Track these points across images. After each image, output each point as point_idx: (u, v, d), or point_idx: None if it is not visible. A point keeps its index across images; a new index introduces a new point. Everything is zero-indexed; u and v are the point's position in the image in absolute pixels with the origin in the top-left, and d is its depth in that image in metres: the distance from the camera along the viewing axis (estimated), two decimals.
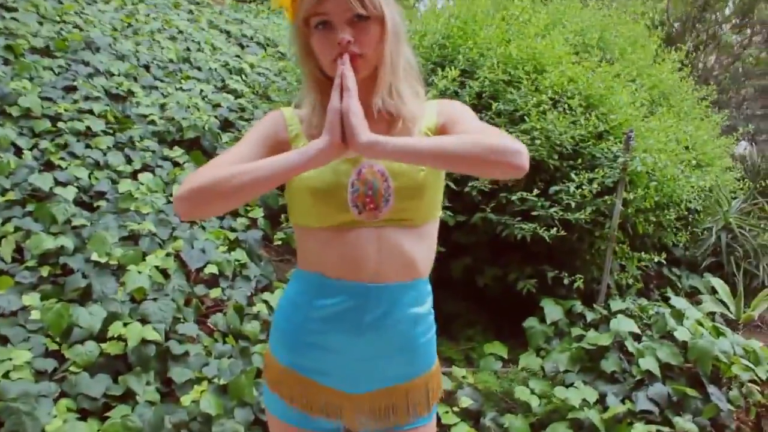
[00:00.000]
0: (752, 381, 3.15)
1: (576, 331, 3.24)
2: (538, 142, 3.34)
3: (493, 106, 3.50)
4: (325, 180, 1.24)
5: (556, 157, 3.43)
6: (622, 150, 3.43)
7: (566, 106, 3.53)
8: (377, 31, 1.22)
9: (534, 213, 3.31)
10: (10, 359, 2.43)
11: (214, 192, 1.14)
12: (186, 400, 2.50)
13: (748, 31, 11.07)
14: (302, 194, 1.27)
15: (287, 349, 1.36)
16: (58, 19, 5.33)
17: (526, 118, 3.43)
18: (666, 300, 3.79)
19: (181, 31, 6.21)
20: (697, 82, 6.41)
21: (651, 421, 2.78)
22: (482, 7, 4.18)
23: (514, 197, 3.31)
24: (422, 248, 1.30)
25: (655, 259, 3.65)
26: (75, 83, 4.29)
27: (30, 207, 3.18)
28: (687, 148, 4.29)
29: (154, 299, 2.79)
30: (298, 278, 1.36)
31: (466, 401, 2.89)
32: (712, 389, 2.95)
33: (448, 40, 3.88)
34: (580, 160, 3.48)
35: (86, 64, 4.61)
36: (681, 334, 3.09)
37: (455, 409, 2.87)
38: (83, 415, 2.38)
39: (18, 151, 3.59)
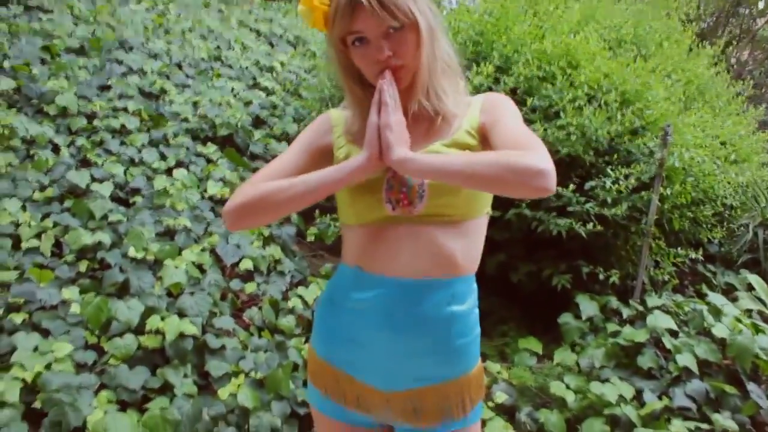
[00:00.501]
0: None
1: (611, 326, 3.21)
2: (573, 137, 3.31)
3: (528, 101, 3.47)
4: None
5: (591, 152, 3.40)
6: (660, 145, 3.38)
7: (602, 101, 3.49)
8: (414, 38, 1.23)
9: (569, 208, 3.28)
10: (52, 351, 2.48)
11: (258, 207, 1.23)
12: (223, 393, 2.52)
13: None
14: (342, 193, 1.30)
15: (324, 342, 1.37)
16: (91, 20, 5.43)
17: (561, 113, 3.40)
18: (702, 296, 3.73)
19: (211, 30, 6.27)
20: (731, 77, 6.30)
21: (689, 417, 2.74)
22: (515, 3, 4.15)
23: None
24: (462, 245, 1.27)
25: (691, 256, 3.60)
26: (109, 82, 4.37)
27: (68, 203, 3.23)
28: (723, 144, 4.22)
29: (191, 293, 2.82)
30: (339, 272, 1.37)
31: (501, 396, 2.87)
32: (751, 386, 2.90)
33: (481, 37, 3.85)
34: (615, 156, 3.44)
35: (120, 63, 4.68)
36: (719, 330, 3.04)
37: (490, 404, 2.86)
38: (122, 406, 2.42)
39: (55, 149, 3.66)
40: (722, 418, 2.73)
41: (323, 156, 1.36)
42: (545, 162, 1.12)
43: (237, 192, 1.28)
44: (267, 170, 1.31)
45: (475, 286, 1.34)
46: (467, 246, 1.29)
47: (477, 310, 1.35)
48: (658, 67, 4.17)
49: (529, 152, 1.13)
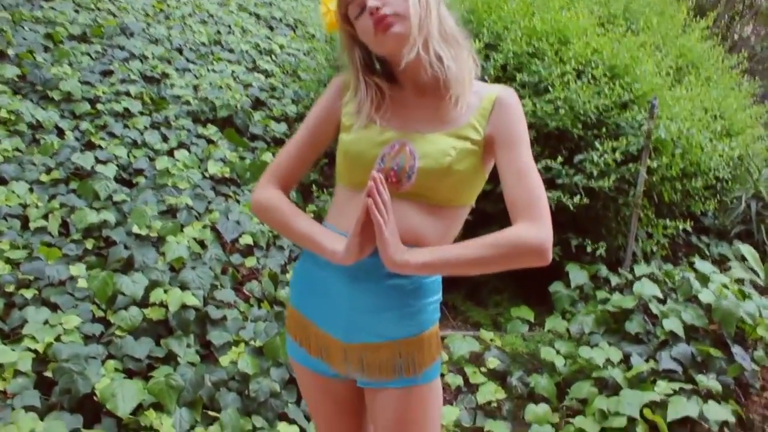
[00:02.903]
0: None
1: (601, 294, 3.31)
2: (562, 111, 3.39)
3: (518, 77, 3.55)
4: (359, 147, 1.37)
5: (580, 126, 3.48)
6: (647, 118, 3.46)
7: (590, 76, 3.57)
8: None
9: (558, 181, 3.38)
10: (61, 324, 2.60)
11: (263, 218, 1.47)
12: (224, 360, 2.64)
13: None
14: (339, 154, 1.42)
15: (296, 292, 1.50)
16: (93, 6, 5.51)
17: (550, 88, 3.48)
18: (692, 267, 3.82)
19: (211, 15, 6.34)
20: (732, 52, 6.34)
21: (674, 379, 2.84)
22: None
23: (539, 166, 3.36)
24: (435, 229, 1.35)
25: (681, 227, 3.68)
26: (111, 67, 4.47)
27: (73, 185, 3.35)
28: (715, 117, 4.29)
29: (193, 268, 2.94)
30: None
31: (493, 362, 2.98)
32: (736, 349, 2.99)
33: (472, 15, 3.93)
34: (604, 129, 3.52)
35: (122, 48, 4.78)
36: (705, 296, 3.13)
37: (483, 369, 2.97)
38: (129, 374, 2.54)
39: (60, 133, 3.77)
40: (707, 380, 2.83)
41: (332, 119, 1.48)
42: (546, 234, 1.24)
43: (260, 181, 1.49)
44: (283, 154, 1.48)
45: None
46: (440, 231, 1.37)
47: (440, 279, 1.43)
48: (649, 42, 4.23)
49: (532, 226, 1.25)
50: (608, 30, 4.08)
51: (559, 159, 3.37)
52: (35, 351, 2.48)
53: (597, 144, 3.42)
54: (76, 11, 5.32)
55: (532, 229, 1.24)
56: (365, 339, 1.38)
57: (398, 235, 1.26)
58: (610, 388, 2.83)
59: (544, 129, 3.45)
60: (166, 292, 2.76)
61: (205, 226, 3.24)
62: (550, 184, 3.40)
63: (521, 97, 3.49)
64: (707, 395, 2.79)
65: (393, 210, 1.27)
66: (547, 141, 3.47)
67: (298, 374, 1.57)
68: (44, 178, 3.35)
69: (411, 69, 1.35)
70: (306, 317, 1.46)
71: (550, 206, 3.17)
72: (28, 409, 2.27)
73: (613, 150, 3.38)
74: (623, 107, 3.64)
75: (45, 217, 3.15)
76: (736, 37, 10.50)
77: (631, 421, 2.65)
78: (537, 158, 3.43)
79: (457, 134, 1.34)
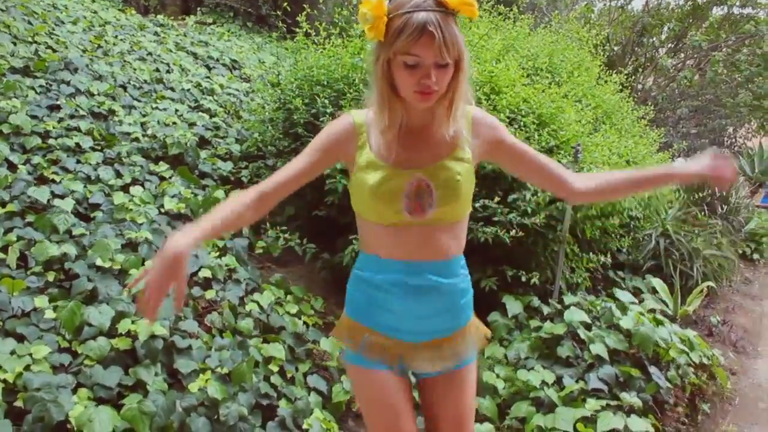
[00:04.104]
0: (688, 364, 3.58)
1: (534, 323, 3.64)
2: None
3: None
4: (383, 189, 1.60)
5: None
6: (571, 162, 3.85)
7: (521, 123, 3.94)
8: (452, 72, 1.52)
9: (495, 218, 3.70)
10: (30, 354, 2.66)
11: None
12: (193, 387, 2.77)
13: (682, 55, 11.83)
14: (363, 191, 1.63)
15: (362, 312, 1.75)
16: (30, 39, 5.52)
17: None
18: (612, 297, 4.21)
19: (150, 53, 6.44)
20: (636, 102, 6.96)
21: (601, 397, 3.17)
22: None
23: (477, 204, 3.69)
24: (455, 238, 1.69)
25: (602, 260, 4.08)
26: (58, 102, 4.52)
27: (30, 218, 3.40)
28: (628, 162, 4.76)
29: None
30: (362, 259, 1.76)
31: None
32: (653, 370, 3.37)
33: None
34: None
35: (67, 83, 4.83)
36: (626, 323, 3.50)
37: None
38: (99, 402, 2.62)
39: (11, 167, 3.80)
40: (629, 397, 3.18)
41: (339, 157, 1.70)
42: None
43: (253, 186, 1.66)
44: (283, 170, 1.64)
45: (463, 262, 1.76)
46: (457, 241, 1.70)
47: (468, 279, 1.78)
48: (570, 93, 4.68)
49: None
50: (535, 81, 4.49)
51: (496, 198, 3.69)
52: (4, 381, 2.54)
53: (528, 185, 3.77)
54: (14, 43, 5.32)
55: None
56: (431, 337, 1.72)
57: None
58: (546, 407, 3.13)
59: (481, 171, 3.78)
60: (133, 322, 2.87)
61: None
62: (487, 221, 3.72)
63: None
64: (630, 410, 3.13)
65: (422, 234, 1.62)
66: (484, 182, 3.80)
67: (362, 377, 1.77)
68: None
69: (422, 114, 1.62)
70: (372, 329, 1.73)
71: (488, 241, 3.59)
72: None
73: (543, 190, 3.74)
74: (550, 152, 4.03)
75: (2, 249, 3.19)
76: (639, 87, 11.37)
77: None
78: (475, 198, 3.75)
79: (456, 157, 1.64)
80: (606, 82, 5.79)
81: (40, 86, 4.69)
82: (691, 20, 11.02)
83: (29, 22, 5.89)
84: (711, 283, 5.15)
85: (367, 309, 1.74)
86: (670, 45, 11.82)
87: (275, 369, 3.11)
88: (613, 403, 3.12)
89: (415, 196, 1.60)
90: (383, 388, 1.73)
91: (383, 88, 1.56)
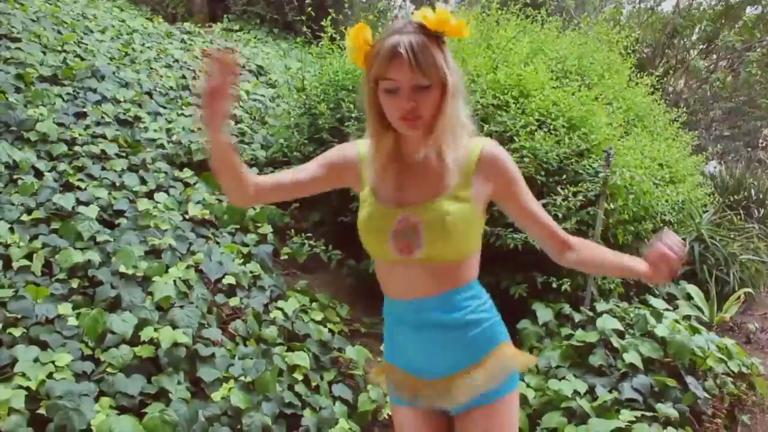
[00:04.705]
0: (726, 373, 3.45)
1: (565, 330, 3.53)
2: (526, 160, 3.65)
3: (485, 128, 3.80)
4: (372, 226, 1.58)
5: (543, 173, 3.74)
6: (603, 166, 3.75)
7: (551, 127, 3.85)
8: (438, 94, 1.46)
9: None
10: (53, 362, 2.64)
11: None
12: (216, 396, 2.73)
13: (714, 56, 11.60)
14: (359, 225, 1.62)
15: (387, 350, 1.75)
16: (59, 48, 5.57)
17: (515, 138, 3.74)
18: (646, 304, 4.09)
19: (176, 60, 6.47)
20: (667, 105, 6.81)
21: (636, 408, 3.06)
22: (469, 36, 4.49)
23: None
24: (460, 277, 1.60)
25: None
26: (85, 109, 4.54)
27: (54, 225, 3.40)
28: (661, 165, 4.63)
29: (181, 307, 3.02)
30: (384, 299, 1.72)
31: None
32: (689, 380, 3.24)
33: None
34: (564, 176, 3.79)
35: (94, 91, 4.85)
36: (660, 330, 3.38)
37: None
38: (122, 411, 2.60)
39: (38, 174, 3.81)
40: (665, 407, 3.06)
41: (343, 182, 1.68)
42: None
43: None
44: (289, 170, 1.66)
45: (473, 292, 1.64)
46: (456, 279, 1.60)
47: (480, 308, 1.64)
48: (601, 96, 4.57)
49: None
50: (564, 84, 4.40)
51: None
52: (27, 388, 2.52)
53: (559, 189, 3.68)
54: (44, 52, 5.37)
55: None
56: (445, 373, 1.63)
57: None
58: (578, 418, 3.02)
59: None
60: (156, 330, 2.84)
61: (189, 267, 3.34)
62: (516, 227, 3.63)
63: None
64: (666, 422, 3.01)
65: (420, 272, 1.56)
66: None
67: (400, 418, 1.74)
68: (25, 218, 3.39)
69: (415, 144, 1.54)
70: (398, 368, 1.70)
71: (518, 247, 3.49)
72: None
73: (574, 195, 3.64)
74: (580, 155, 3.93)
75: (27, 256, 3.19)
76: (670, 90, 11.17)
77: None
78: None
79: (452, 196, 1.54)
80: (637, 84, 5.66)
81: (68, 94, 4.72)
82: (723, 20, 10.80)
83: (59, 32, 5.95)
84: (748, 289, 4.99)
85: (390, 347, 1.73)
86: (701, 46, 11.59)
87: (300, 378, 3.05)
88: (649, 414, 3.00)
89: (401, 235, 1.54)
90: (402, 425, 1.72)
91: (372, 117, 1.54)
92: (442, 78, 1.44)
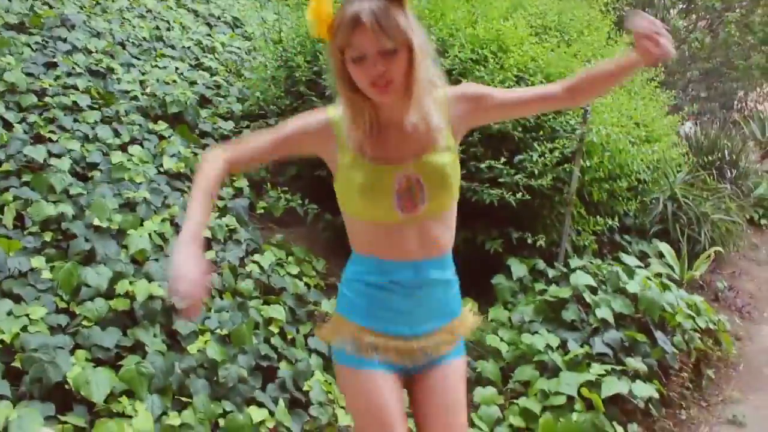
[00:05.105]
0: (693, 329, 3.54)
1: (539, 286, 3.59)
2: None
3: (462, 82, 3.77)
4: (373, 188, 1.56)
5: (520, 129, 3.74)
6: (580, 123, 3.75)
7: (529, 82, 3.84)
8: (405, 58, 1.45)
9: (500, 180, 3.62)
10: (27, 315, 2.62)
11: (197, 170, 1.63)
12: (192, 348, 2.74)
13: (694, 16, 11.57)
14: (351, 191, 1.59)
15: (359, 313, 1.68)
16: None
17: None
18: (619, 261, 4.15)
19: (149, 10, 6.29)
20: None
21: (606, 362, 3.13)
22: None
23: (482, 165, 3.61)
24: (448, 229, 1.66)
25: (608, 224, 4.01)
26: (55, 59, 4.42)
27: (26, 177, 3.34)
28: (637, 124, 4.65)
29: (156, 260, 3.01)
30: (359, 261, 1.70)
31: None
32: (658, 335, 3.33)
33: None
34: (541, 132, 3.80)
35: (63, 40, 4.72)
36: (632, 287, 3.45)
37: None
38: (98, 363, 2.59)
39: (7, 125, 3.72)
40: (634, 362, 3.14)
41: (313, 150, 1.67)
42: None
43: (222, 146, 1.68)
44: (252, 140, 1.66)
45: (451, 256, 1.71)
46: (449, 231, 1.67)
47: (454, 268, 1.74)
48: (580, 53, 4.55)
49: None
50: (543, 40, 4.37)
51: (502, 159, 3.61)
52: (1, 341, 2.50)
53: (536, 146, 3.69)
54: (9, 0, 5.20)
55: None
56: (429, 329, 1.67)
57: None
58: (550, 371, 3.09)
59: (487, 131, 3.69)
60: (131, 283, 2.83)
61: (164, 220, 3.31)
62: (492, 182, 3.65)
63: None
64: (634, 375, 3.09)
65: (417, 232, 1.59)
66: (490, 142, 3.71)
67: (361, 381, 1.68)
68: None
69: (393, 110, 1.54)
70: (373, 330, 1.66)
71: (493, 203, 3.49)
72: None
73: (551, 151, 3.65)
74: (557, 112, 3.93)
75: None
76: None
77: (570, 399, 2.91)
78: (481, 159, 3.67)
79: (439, 148, 1.58)
80: (616, 42, 5.64)
81: (36, 43, 4.58)
82: None
83: None
84: (719, 248, 5.09)
85: (367, 310, 1.68)
86: (681, 6, 11.55)
87: (276, 330, 3.07)
88: (618, 367, 3.08)
89: (406, 193, 1.55)
90: (377, 387, 1.67)
91: (343, 87, 1.53)
92: (407, 40, 1.43)
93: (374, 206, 1.57)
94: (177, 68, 5.09)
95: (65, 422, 2.34)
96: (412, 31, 1.45)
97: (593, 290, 3.52)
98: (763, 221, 6.91)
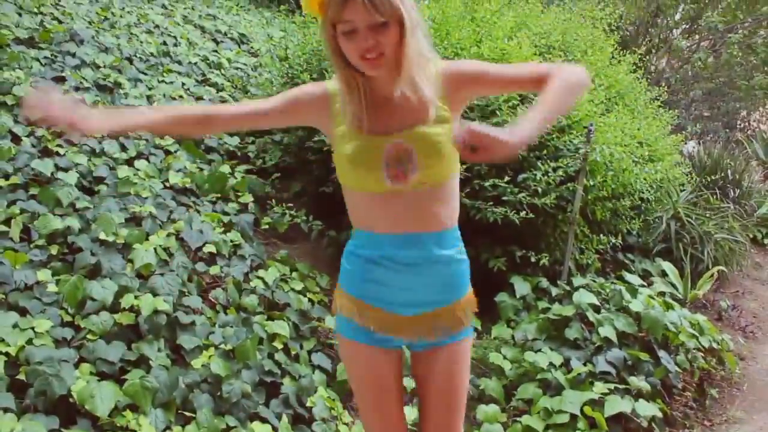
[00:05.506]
0: (697, 349, 3.54)
1: (542, 304, 3.59)
2: None
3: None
4: (362, 157, 1.57)
5: (523, 148, 3.76)
6: (584, 142, 3.78)
7: (533, 102, 3.86)
8: (396, 31, 1.48)
9: (504, 198, 3.64)
10: (32, 328, 2.63)
11: None
12: (196, 363, 2.74)
13: (696, 36, 11.63)
14: (342, 162, 1.62)
15: (355, 286, 1.72)
16: (36, 10, 5.45)
17: (497, 112, 3.75)
18: (622, 280, 4.16)
19: (157, 26, 6.36)
20: (649, 84, 6.84)
21: (609, 380, 3.13)
22: (454, 9, 4.49)
23: (486, 184, 3.63)
24: (446, 204, 1.65)
25: (612, 242, 4.02)
26: (63, 74, 4.46)
27: (33, 191, 3.36)
28: (641, 143, 4.67)
29: (161, 275, 3.02)
30: (356, 235, 1.72)
31: None
32: (662, 354, 3.33)
33: None
34: (545, 151, 3.82)
35: (72, 55, 4.77)
36: (635, 306, 3.46)
37: None
38: (102, 377, 2.60)
39: (15, 138, 3.76)
40: (637, 380, 3.14)
41: (308, 120, 1.72)
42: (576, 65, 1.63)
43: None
44: (242, 103, 1.71)
45: (458, 234, 1.72)
46: (448, 207, 1.66)
47: (464, 251, 1.74)
48: None
49: (563, 68, 1.62)
50: (547, 59, 4.40)
51: (506, 178, 3.63)
52: (6, 354, 2.51)
53: (539, 164, 3.71)
54: (19, 14, 5.25)
55: (567, 68, 1.62)
56: (426, 309, 1.69)
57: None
58: (553, 389, 3.09)
59: None
60: (136, 297, 2.84)
61: (169, 235, 3.33)
62: (496, 200, 3.66)
63: (471, 120, 3.75)
64: (638, 394, 3.09)
65: (410, 203, 1.59)
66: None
67: (350, 349, 1.76)
68: (2, 183, 3.35)
69: (387, 82, 1.57)
70: (367, 303, 1.70)
71: (497, 221, 3.49)
72: (4, 410, 2.31)
73: (554, 170, 3.67)
74: (561, 131, 3.96)
75: (5, 222, 3.15)
76: (652, 68, 11.20)
77: (573, 417, 2.91)
78: (485, 177, 3.69)
79: (434, 120, 1.59)
80: (619, 62, 5.68)
81: (45, 57, 4.63)
82: (707, 1, 10.81)
83: None
84: (722, 267, 5.09)
85: (363, 283, 1.71)
86: (684, 26, 11.60)
87: (279, 346, 3.08)
88: (621, 386, 3.08)
89: (395, 162, 1.57)
90: (370, 362, 1.73)
91: (336, 62, 1.56)
92: (397, 14, 1.45)
93: (364, 175, 1.59)
94: (183, 84, 5.14)
95: None
96: (403, 5, 1.46)
97: (596, 309, 3.53)
98: (766, 241, 6.91)
